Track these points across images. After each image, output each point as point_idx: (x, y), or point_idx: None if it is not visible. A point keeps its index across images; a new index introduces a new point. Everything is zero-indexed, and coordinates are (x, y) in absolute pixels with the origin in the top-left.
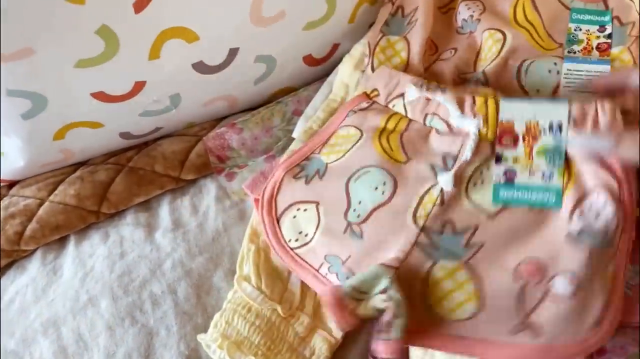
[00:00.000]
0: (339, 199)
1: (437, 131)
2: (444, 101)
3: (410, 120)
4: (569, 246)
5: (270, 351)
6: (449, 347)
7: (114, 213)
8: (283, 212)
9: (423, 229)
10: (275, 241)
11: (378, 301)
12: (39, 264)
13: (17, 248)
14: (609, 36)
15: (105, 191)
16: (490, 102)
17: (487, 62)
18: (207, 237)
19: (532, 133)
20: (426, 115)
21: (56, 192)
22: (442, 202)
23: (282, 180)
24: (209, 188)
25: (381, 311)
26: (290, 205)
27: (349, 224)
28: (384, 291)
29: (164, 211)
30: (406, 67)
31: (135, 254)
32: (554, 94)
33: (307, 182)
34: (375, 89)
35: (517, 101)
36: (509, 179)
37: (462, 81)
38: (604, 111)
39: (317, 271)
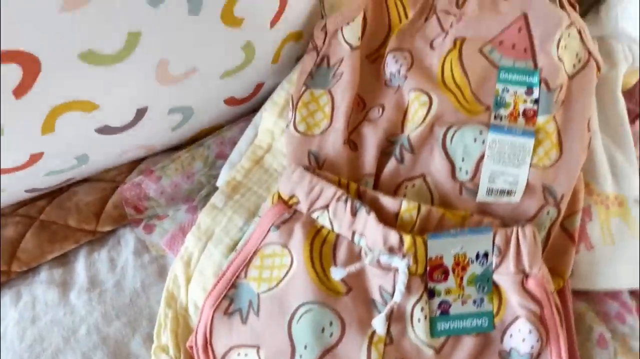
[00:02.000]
0: (281, 343)
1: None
2: (370, 238)
3: (338, 235)
4: None
5: None
6: None
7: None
8: None
9: None
10: None
11: None
12: None
13: None
14: (536, 101)
15: (14, 249)
16: (419, 242)
17: (414, 125)
18: (124, 297)
19: (461, 265)
20: (354, 233)
21: None
22: (392, 341)
23: (212, 320)
24: (128, 239)
25: None
26: (229, 350)
27: None
28: None
29: (80, 265)
30: (329, 125)
31: (48, 318)
32: (478, 162)
33: (243, 321)
34: (295, 196)
35: (444, 236)
36: (444, 311)
37: (390, 144)
38: (524, 236)
39: None
